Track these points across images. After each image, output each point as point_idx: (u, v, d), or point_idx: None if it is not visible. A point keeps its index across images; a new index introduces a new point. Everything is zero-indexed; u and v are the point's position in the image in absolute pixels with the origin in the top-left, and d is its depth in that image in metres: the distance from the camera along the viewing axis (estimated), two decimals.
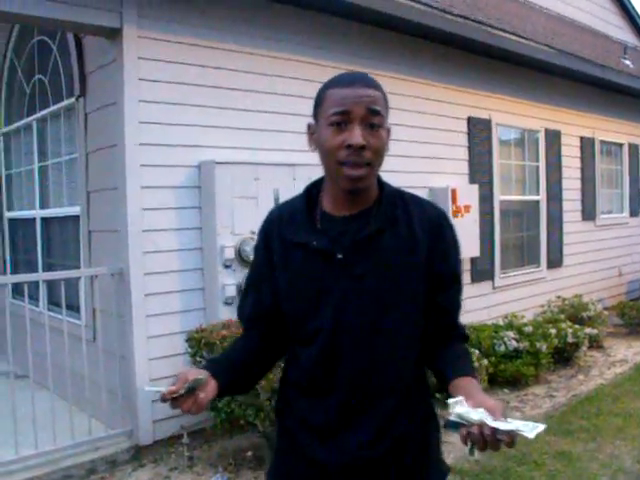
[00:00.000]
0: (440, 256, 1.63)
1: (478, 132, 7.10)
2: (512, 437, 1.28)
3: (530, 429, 1.28)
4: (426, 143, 6.47)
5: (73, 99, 5.14)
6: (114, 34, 4.38)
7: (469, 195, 6.63)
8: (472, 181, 6.95)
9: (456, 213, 6.41)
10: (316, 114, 1.61)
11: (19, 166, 6.69)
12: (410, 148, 6.27)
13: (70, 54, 5.14)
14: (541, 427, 1.29)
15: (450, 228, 1.69)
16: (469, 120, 6.99)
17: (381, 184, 1.66)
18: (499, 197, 7.38)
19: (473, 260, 6.92)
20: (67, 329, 4.43)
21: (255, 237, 1.82)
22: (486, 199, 7.09)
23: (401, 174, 6.14)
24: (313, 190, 1.69)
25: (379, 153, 1.54)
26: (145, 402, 4.44)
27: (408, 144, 6.24)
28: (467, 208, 6.55)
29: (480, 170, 7.11)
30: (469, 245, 6.66)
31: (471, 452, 1.35)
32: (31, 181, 6.25)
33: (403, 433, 1.61)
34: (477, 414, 1.32)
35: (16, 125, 6.52)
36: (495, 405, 1.34)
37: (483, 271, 7.13)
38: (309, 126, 1.65)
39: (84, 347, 4.45)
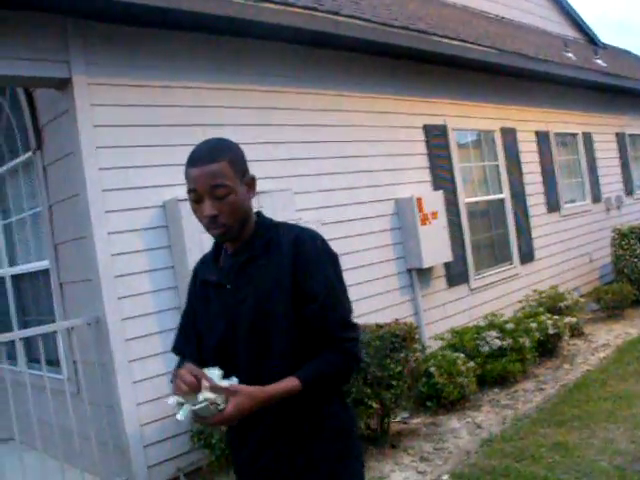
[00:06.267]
0: (302, 275, 1.85)
1: (435, 139, 7.19)
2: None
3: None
4: (386, 155, 6.53)
5: (30, 153, 5.10)
6: (64, 84, 4.37)
7: (434, 202, 6.70)
8: (436, 188, 7.02)
9: (424, 221, 6.47)
10: None
11: None
12: (372, 163, 6.34)
13: (22, 109, 5.11)
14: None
15: (310, 248, 1.88)
16: (425, 128, 7.08)
17: (259, 219, 1.97)
18: (464, 200, 7.47)
19: (447, 265, 6.98)
20: (50, 385, 4.37)
21: None
22: (452, 203, 7.17)
23: (367, 189, 6.24)
24: None
25: (234, 214, 1.84)
26: (138, 449, 4.38)
27: (370, 159, 6.32)
28: (434, 215, 6.61)
29: (442, 176, 7.20)
30: (440, 251, 6.72)
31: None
32: None
33: (286, 439, 1.87)
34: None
35: None
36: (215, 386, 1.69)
37: (458, 274, 7.19)
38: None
39: (69, 401, 4.39)
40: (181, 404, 1.68)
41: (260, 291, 1.86)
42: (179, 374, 1.70)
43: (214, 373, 1.71)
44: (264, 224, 1.97)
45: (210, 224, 1.84)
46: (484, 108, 8.06)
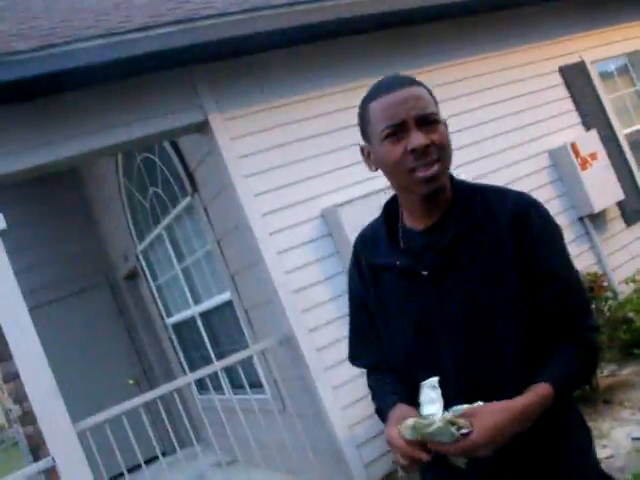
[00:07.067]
0: (532, 252, 1.46)
1: (574, 78, 6.79)
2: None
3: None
4: (529, 109, 6.26)
5: (188, 198, 5.44)
6: (203, 127, 4.62)
7: (590, 143, 6.32)
8: (588, 128, 6.62)
9: (584, 165, 6.13)
10: (365, 133, 1.54)
11: (164, 275, 7.12)
12: (516, 120, 6.12)
13: (172, 159, 5.47)
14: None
15: (539, 219, 1.49)
16: (561, 70, 6.72)
17: (455, 184, 1.55)
18: (622, 132, 6.99)
19: (620, 204, 6.55)
20: (257, 406, 4.61)
21: None
22: (610, 139, 6.72)
23: (517, 148, 6.03)
24: (391, 207, 1.63)
25: (444, 148, 1.46)
26: (351, 450, 4.50)
27: (513, 116, 6.11)
28: (593, 156, 6.24)
29: (592, 114, 6.78)
30: (609, 191, 6.32)
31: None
32: (179, 284, 6.62)
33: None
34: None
35: (149, 240, 6.97)
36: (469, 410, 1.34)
37: (635, 211, 6.71)
38: (362, 149, 1.57)
39: (278, 418, 4.60)
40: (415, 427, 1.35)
41: (474, 280, 1.46)
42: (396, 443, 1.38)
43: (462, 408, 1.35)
44: (466, 189, 1.55)
45: (420, 160, 1.42)
46: (622, 29, 7.47)
